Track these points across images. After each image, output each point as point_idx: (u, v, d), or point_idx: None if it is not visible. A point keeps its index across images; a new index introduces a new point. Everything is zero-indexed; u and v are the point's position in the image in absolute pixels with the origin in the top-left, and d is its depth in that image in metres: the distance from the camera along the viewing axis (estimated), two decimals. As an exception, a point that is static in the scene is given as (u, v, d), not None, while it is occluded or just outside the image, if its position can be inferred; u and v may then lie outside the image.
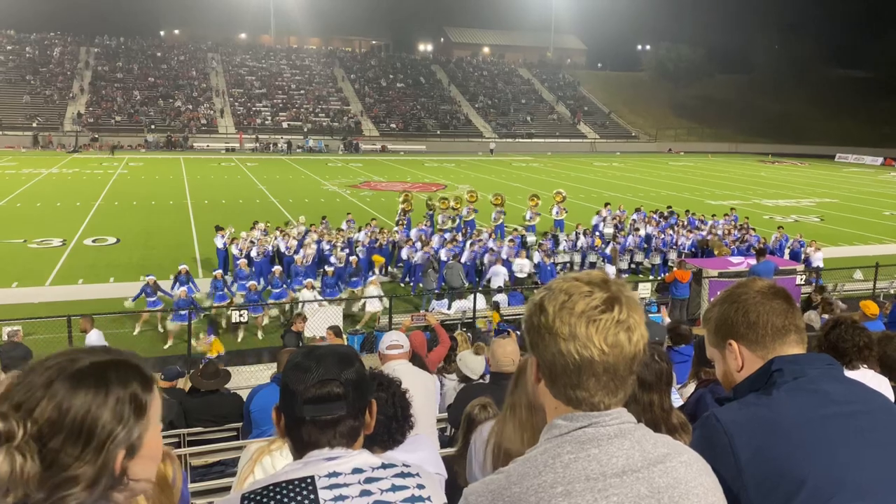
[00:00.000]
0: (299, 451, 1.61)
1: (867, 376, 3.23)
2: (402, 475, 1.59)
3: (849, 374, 3.14)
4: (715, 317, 1.78)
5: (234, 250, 17.26)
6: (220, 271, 15.82)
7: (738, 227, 21.57)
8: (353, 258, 16.95)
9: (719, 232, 20.97)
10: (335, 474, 1.53)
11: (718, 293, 1.86)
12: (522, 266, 17.43)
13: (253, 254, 17.06)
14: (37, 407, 1.21)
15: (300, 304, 14.31)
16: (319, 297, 15.20)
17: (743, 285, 1.77)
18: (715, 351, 1.79)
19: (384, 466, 1.59)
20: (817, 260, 18.54)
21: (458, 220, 22.40)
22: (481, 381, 5.91)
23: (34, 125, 56.60)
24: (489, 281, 16.85)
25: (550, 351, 1.36)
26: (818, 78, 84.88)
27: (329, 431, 1.58)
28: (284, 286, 15.69)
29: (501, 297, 16.18)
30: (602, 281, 1.39)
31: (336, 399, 1.58)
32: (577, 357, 1.33)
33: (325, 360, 1.62)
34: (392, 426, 2.65)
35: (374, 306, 15.10)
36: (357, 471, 1.55)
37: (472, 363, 6.19)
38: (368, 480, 1.54)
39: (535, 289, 16.52)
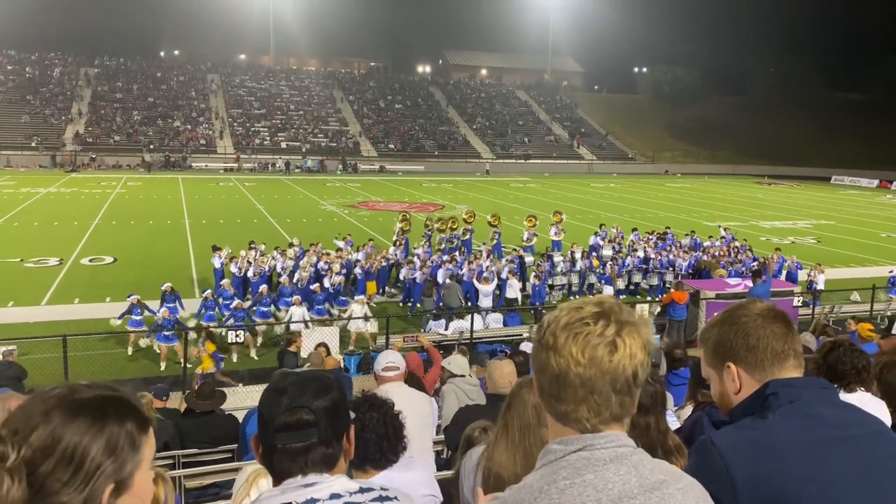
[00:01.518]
0: (275, 478, 1.61)
1: (864, 399, 3.22)
2: (381, 499, 1.59)
3: (847, 396, 3.15)
4: (713, 338, 1.75)
5: (232, 269, 17.21)
6: (210, 291, 15.74)
7: (737, 249, 21.57)
8: (340, 278, 16.89)
9: (715, 253, 21.01)
10: (313, 501, 1.53)
11: (716, 313, 1.84)
12: (512, 286, 17.49)
13: (249, 274, 17.03)
14: (32, 433, 1.23)
15: (288, 325, 14.28)
16: (308, 315, 15.12)
17: (742, 307, 1.75)
18: (712, 371, 1.77)
19: (362, 491, 1.58)
20: (820, 283, 18.56)
21: (456, 241, 22.41)
22: (471, 385, 5.96)
23: (33, 144, 56.79)
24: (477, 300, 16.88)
25: (538, 362, 1.38)
26: (814, 100, 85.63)
27: (300, 459, 1.57)
28: (272, 306, 15.62)
29: (496, 317, 16.15)
30: (598, 301, 1.40)
31: (306, 426, 1.56)
32: (555, 367, 1.34)
33: (297, 387, 1.61)
34: (384, 445, 2.64)
35: (357, 326, 14.93)
36: (335, 496, 1.55)
37: (460, 361, 6.28)
38: None
39: (531, 310, 16.53)
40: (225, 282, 16.21)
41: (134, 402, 1.34)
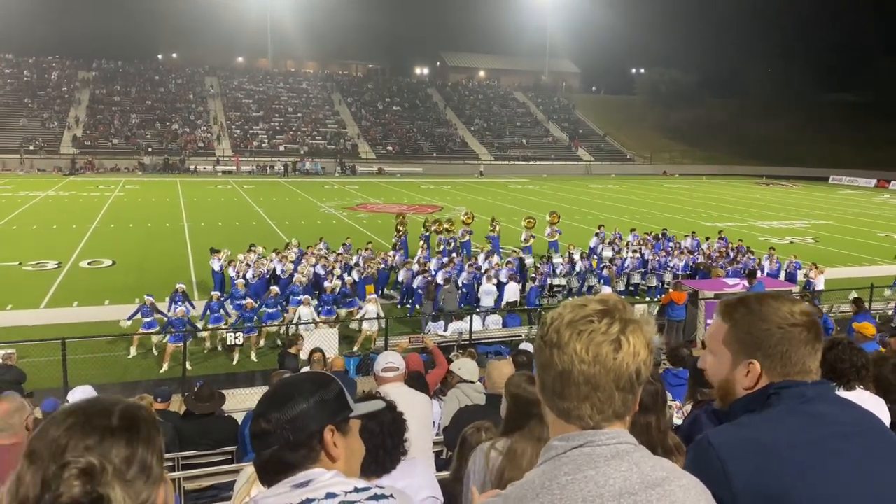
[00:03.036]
0: (262, 482, 1.67)
1: (863, 397, 3.23)
2: (376, 497, 1.60)
3: (845, 395, 3.16)
4: (750, 330, 1.66)
5: (230, 272, 17.22)
6: (217, 293, 15.79)
7: (733, 249, 21.62)
8: (348, 278, 16.91)
9: (713, 254, 21.04)
10: (308, 501, 1.54)
11: (756, 303, 1.69)
12: (513, 289, 17.45)
13: (249, 276, 17.04)
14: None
15: (296, 325, 14.27)
16: (317, 315, 15.16)
17: (788, 310, 1.64)
18: (726, 353, 1.70)
19: (357, 490, 1.60)
20: (819, 284, 18.54)
21: (453, 243, 22.41)
22: (479, 392, 5.92)
23: (31, 148, 56.73)
24: (478, 301, 16.85)
25: (542, 360, 1.38)
26: (810, 101, 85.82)
27: (269, 467, 1.62)
28: (279, 307, 15.64)
29: (495, 319, 16.12)
30: (601, 299, 1.41)
31: (263, 435, 1.62)
32: (559, 364, 1.35)
33: (265, 396, 1.69)
34: (380, 455, 2.63)
35: (371, 326, 15.00)
36: (330, 496, 1.56)
37: (470, 367, 6.26)
38: None
39: (525, 311, 16.41)
40: (240, 282, 16.27)
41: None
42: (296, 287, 16.21)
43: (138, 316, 14.36)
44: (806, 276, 19.26)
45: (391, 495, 1.63)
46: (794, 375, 1.64)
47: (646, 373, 1.38)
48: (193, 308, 15.01)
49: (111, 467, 1.20)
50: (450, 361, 9.44)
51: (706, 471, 1.50)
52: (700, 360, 1.80)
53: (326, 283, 16.68)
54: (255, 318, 14.95)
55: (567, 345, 1.34)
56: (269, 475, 1.63)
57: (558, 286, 18.90)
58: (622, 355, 1.34)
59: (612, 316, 1.36)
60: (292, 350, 11.66)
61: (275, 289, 16.03)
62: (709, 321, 15.19)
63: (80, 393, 6.16)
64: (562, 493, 1.28)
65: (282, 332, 15.20)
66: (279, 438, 1.61)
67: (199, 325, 14.78)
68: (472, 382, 5.98)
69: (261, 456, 1.63)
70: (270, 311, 15.42)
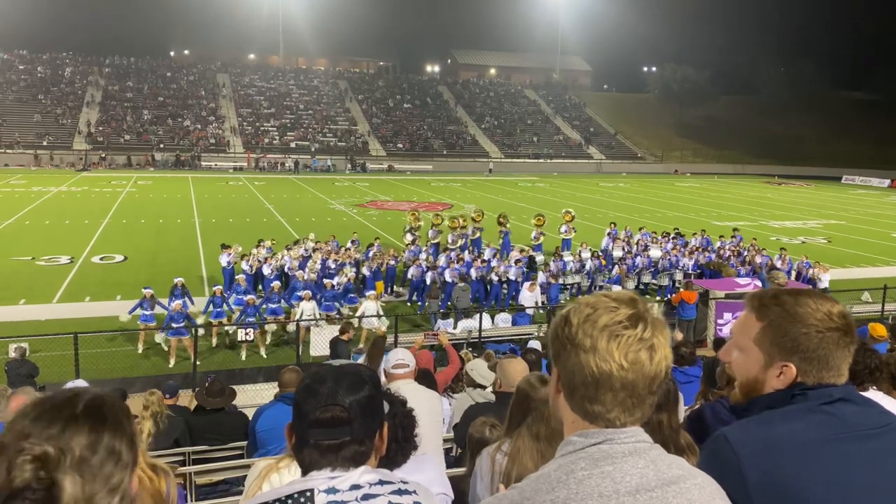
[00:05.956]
0: (304, 469, 1.63)
1: (876, 398, 3.20)
2: (399, 492, 1.60)
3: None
4: (787, 333, 1.61)
5: (244, 266, 17.25)
6: (220, 287, 15.77)
7: (748, 248, 21.48)
8: (351, 275, 16.93)
9: (725, 253, 20.92)
10: (334, 490, 1.55)
11: (792, 303, 1.63)
12: (525, 295, 17.31)
13: (266, 271, 17.08)
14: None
15: (296, 322, 14.35)
16: (318, 310, 15.15)
17: (827, 312, 1.60)
18: (757, 352, 1.65)
19: (381, 483, 1.60)
20: (824, 281, 18.43)
21: (465, 239, 22.42)
22: (488, 400, 5.89)
23: (44, 143, 57.14)
24: (513, 299, 16.85)
25: (571, 362, 1.36)
26: (824, 100, 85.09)
27: (331, 455, 1.59)
28: (281, 302, 15.66)
29: (504, 317, 16.09)
30: (629, 299, 1.39)
31: (339, 424, 1.58)
32: (596, 370, 1.33)
33: (334, 382, 1.62)
34: (391, 447, 2.63)
35: (370, 323, 14.92)
36: (355, 487, 1.57)
37: (484, 371, 6.23)
38: (365, 497, 1.56)
39: (543, 310, 16.37)
40: (240, 277, 16.30)
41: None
42: (298, 283, 16.22)
43: (138, 310, 14.38)
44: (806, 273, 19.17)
45: (414, 491, 1.63)
46: (828, 379, 1.61)
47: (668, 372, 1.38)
48: (192, 303, 14.99)
49: (70, 456, 1.23)
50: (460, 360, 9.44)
51: (722, 466, 1.50)
52: (723, 352, 1.76)
53: (336, 278, 16.69)
54: (257, 314, 14.96)
55: (605, 351, 1.32)
56: (316, 464, 1.60)
57: (568, 284, 18.86)
58: (657, 359, 1.34)
59: (645, 320, 1.35)
60: (344, 337, 11.75)
61: (276, 284, 16.05)
62: (719, 321, 15.14)
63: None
64: (578, 488, 1.28)
65: (289, 328, 15.22)
66: (352, 430, 1.58)
67: (201, 319, 14.78)
68: (482, 388, 5.96)
69: (319, 446, 1.59)
70: (273, 306, 15.44)
